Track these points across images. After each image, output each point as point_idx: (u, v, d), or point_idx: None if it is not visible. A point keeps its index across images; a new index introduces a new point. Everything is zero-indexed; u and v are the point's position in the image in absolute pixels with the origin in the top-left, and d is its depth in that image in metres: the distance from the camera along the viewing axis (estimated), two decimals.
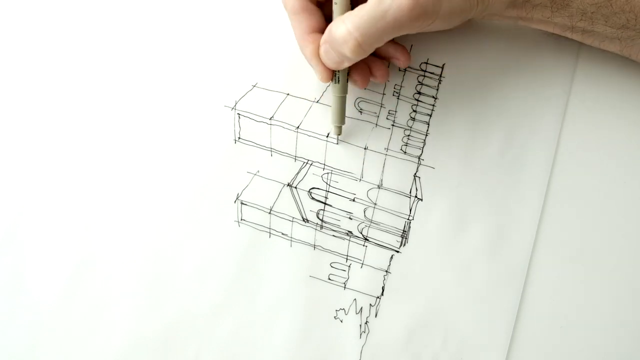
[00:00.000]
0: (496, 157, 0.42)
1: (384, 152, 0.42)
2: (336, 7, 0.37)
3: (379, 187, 0.43)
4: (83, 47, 0.45)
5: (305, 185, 0.43)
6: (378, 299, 0.42)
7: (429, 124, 0.42)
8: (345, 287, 0.43)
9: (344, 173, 0.43)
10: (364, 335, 0.42)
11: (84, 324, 0.43)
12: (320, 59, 0.38)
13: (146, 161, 0.44)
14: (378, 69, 0.40)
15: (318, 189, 0.43)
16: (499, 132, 0.42)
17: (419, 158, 0.42)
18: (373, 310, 0.42)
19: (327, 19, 0.38)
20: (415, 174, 0.42)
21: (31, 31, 0.45)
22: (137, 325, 0.43)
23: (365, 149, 0.43)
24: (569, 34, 0.39)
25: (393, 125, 0.43)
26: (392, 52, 0.40)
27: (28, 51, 0.45)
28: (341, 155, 0.43)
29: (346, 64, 0.37)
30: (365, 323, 0.42)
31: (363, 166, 0.43)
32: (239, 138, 0.43)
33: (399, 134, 0.43)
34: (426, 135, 0.42)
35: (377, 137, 0.43)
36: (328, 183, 0.43)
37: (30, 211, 0.44)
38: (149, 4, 0.44)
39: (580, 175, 0.42)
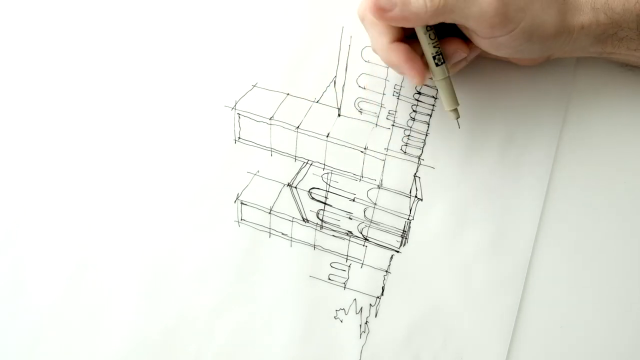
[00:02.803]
0: (496, 157, 0.42)
1: (384, 152, 0.42)
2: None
3: (379, 187, 0.43)
4: (82, 47, 0.45)
5: (305, 185, 0.43)
6: (378, 299, 0.42)
7: (429, 124, 0.42)
8: (345, 287, 0.43)
9: (344, 173, 0.43)
10: (364, 335, 0.42)
11: (84, 324, 0.43)
12: (411, 62, 0.36)
13: (146, 161, 0.44)
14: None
15: (318, 189, 0.43)
16: (500, 132, 0.42)
17: (419, 158, 0.42)
18: (373, 310, 0.42)
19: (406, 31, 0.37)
20: (415, 174, 0.42)
21: (31, 31, 0.45)
22: (138, 326, 0.43)
23: (365, 149, 0.43)
24: None
25: (393, 125, 0.43)
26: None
27: (27, 51, 0.45)
28: (341, 155, 0.43)
29: (394, 13, 0.35)
30: (365, 323, 0.42)
31: (363, 166, 0.43)
32: (239, 138, 0.43)
33: (399, 134, 0.43)
34: (426, 135, 0.42)
35: (377, 137, 0.43)
36: (328, 183, 0.43)
37: (30, 212, 0.44)
38: (149, 4, 0.44)
39: (581, 175, 0.42)
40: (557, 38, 0.36)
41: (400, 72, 0.37)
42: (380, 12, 0.35)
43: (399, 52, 0.36)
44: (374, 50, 0.38)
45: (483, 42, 0.36)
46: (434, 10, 0.34)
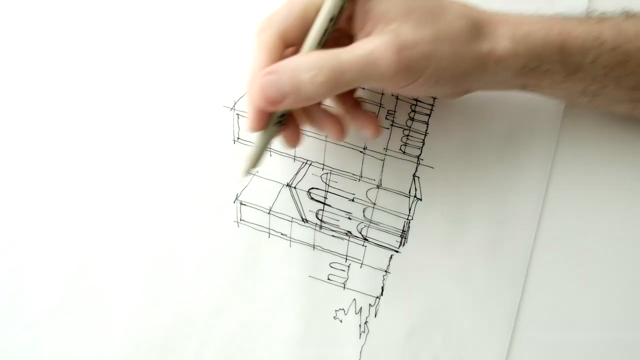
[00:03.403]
0: (495, 156, 0.42)
1: (383, 152, 0.42)
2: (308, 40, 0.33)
3: (378, 187, 0.43)
4: (81, 48, 0.45)
5: (305, 185, 0.43)
6: (377, 299, 0.42)
7: (428, 124, 0.42)
8: (344, 287, 0.43)
9: (343, 173, 0.43)
10: (363, 335, 0.42)
11: (84, 325, 0.44)
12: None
13: (145, 162, 0.44)
14: (334, 124, 0.36)
15: (317, 189, 0.43)
16: (498, 132, 0.42)
17: (418, 158, 0.42)
18: (372, 310, 0.42)
19: None
20: (414, 173, 0.42)
21: (31, 32, 0.45)
22: (138, 326, 0.43)
23: (364, 149, 0.42)
24: (576, 99, 0.38)
25: (392, 125, 0.42)
26: (362, 120, 0.38)
27: (27, 52, 0.45)
28: (340, 155, 0.43)
29: (287, 103, 0.32)
30: (365, 323, 0.42)
31: (362, 166, 0.43)
32: (238, 138, 0.43)
33: (398, 133, 0.42)
34: (425, 135, 0.42)
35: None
36: (327, 183, 0.43)
37: (30, 213, 0.44)
38: (148, 5, 0.44)
39: (580, 174, 0.42)
40: (467, 76, 0.34)
41: (249, 105, 0.34)
42: (273, 104, 0.32)
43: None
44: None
45: (390, 90, 0.35)
46: (328, 90, 0.31)
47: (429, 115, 0.42)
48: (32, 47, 0.45)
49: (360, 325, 0.42)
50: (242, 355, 0.43)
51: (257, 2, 0.44)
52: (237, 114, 0.43)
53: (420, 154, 0.42)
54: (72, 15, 0.45)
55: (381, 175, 0.43)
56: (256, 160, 0.35)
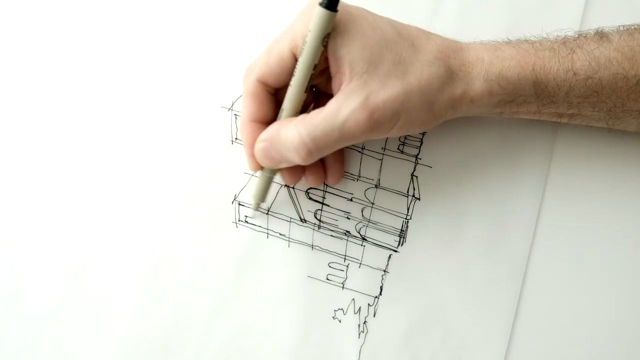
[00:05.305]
0: (494, 156, 0.42)
1: (381, 151, 0.42)
2: (283, 113, 0.37)
3: (376, 186, 0.43)
4: (79, 48, 0.44)
5: (303, 185, 0.43)
6: (376, 299, 0.42)
7: None
8: (343, 287, 0.43)
9: None
10: (362, 335, 0.42)
11: (84, 325, 0.44)
12: (252, 149, 0.37)
13: (143, 163, 0.44)
14: (315, 172, 0.40)
15: (315, 188, 0.43)
16: (497, 131, 0.42)
17: (416, 157, 0.42)
18: (371, 310, 0.43)
19: (278, 106, 0.37)
20: (412, 173, 0.42)
21: (29, 32, 0.45)
22: (137, 327, 0.43)
23: (362, 148, 0.42)
24: (555, 119, 0.39)
25: None
26: (331, 163, 0.41)
27: (26, 53, 0.45)
28: None
29: (283, 166, 0.37)
30: (364, 323, 0.42)
31: (360, 166, 0.43)
32: (236, 139, 0.43)
33: None
34: (423, 134, 0.42)
35: None
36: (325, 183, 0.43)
37: (30, 213, 0.44)
38: (146, 5, 0.44)
39: (578, 173, 0.41)
40: (440, 117, 0.36)
41: (245, 152, 0.38)
42: (271, 165, 0.38)
43: (252, 132, 0.37)
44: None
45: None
46: (312, 161, 0.35)
47: None
48: (31, 49, 0.45)
49: (359, 325, 0.43)
50: (242, 355, 0.43)
51: (254, 3, 0.43)
52: (235, 114, 0.43)
53: (418, 154, 0.42)
54: (71, 17, 0.45)
55: (379, 174, 0.43)
56: (261, 197, 0.41)
